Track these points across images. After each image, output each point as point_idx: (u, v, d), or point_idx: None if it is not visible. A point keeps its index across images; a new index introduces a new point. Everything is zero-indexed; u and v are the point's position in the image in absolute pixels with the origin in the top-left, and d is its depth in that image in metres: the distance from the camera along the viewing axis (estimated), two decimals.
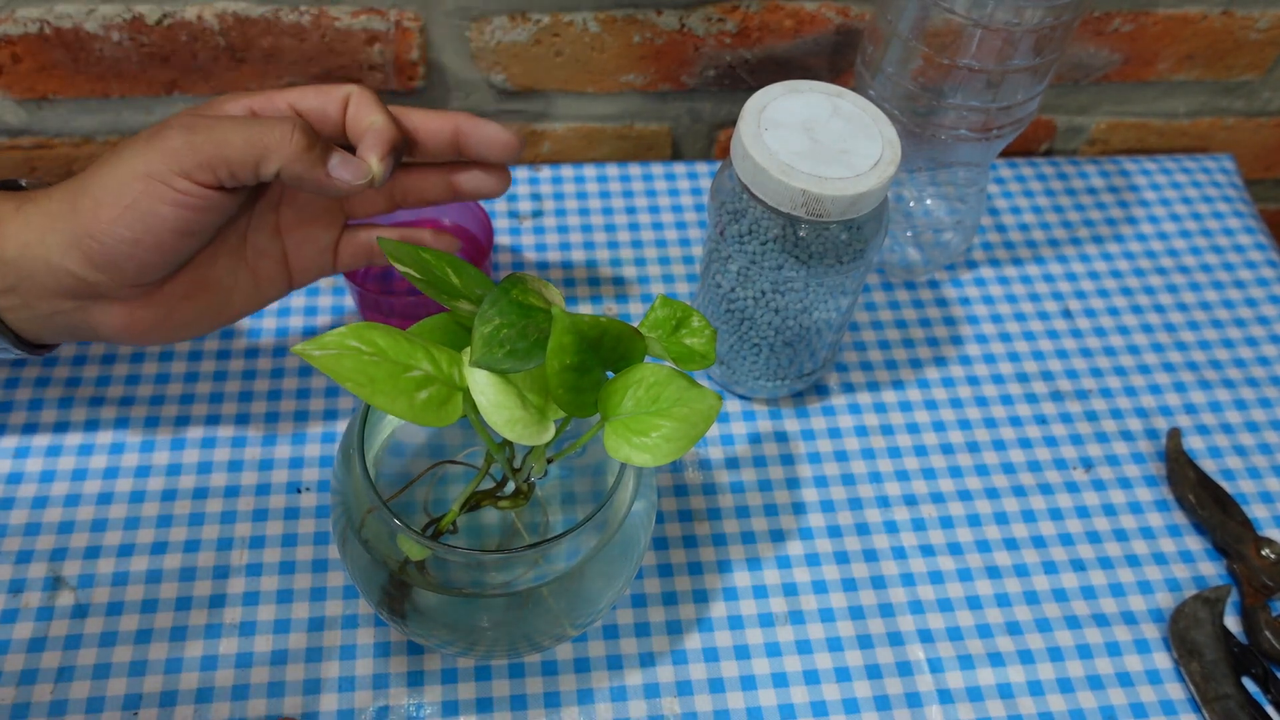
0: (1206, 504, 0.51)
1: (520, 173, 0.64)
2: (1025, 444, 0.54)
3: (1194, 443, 0.55)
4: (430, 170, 0.46)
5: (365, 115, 0.42)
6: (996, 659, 0.47)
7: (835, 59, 0.63)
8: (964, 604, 0.48)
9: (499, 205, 0.62)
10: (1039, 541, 0.50)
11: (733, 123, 0.67)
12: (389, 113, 0.42)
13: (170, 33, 0.57)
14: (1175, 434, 0.54)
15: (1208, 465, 0.54)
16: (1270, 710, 0.46)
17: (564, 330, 0.34)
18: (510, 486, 0.40)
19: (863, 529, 0.50)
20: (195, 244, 0.41)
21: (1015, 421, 0.55)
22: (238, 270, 0.44)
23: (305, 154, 0.39)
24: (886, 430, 0.54)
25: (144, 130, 0.40)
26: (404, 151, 0.44)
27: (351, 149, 0.42)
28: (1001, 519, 0.51)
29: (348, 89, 0.42)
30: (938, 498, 0.52)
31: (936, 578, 0.49)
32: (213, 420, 0.51)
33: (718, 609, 0.47)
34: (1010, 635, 0.47)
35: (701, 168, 0.65)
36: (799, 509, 0.51)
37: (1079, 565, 0.50)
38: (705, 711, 0.44)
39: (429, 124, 0.44)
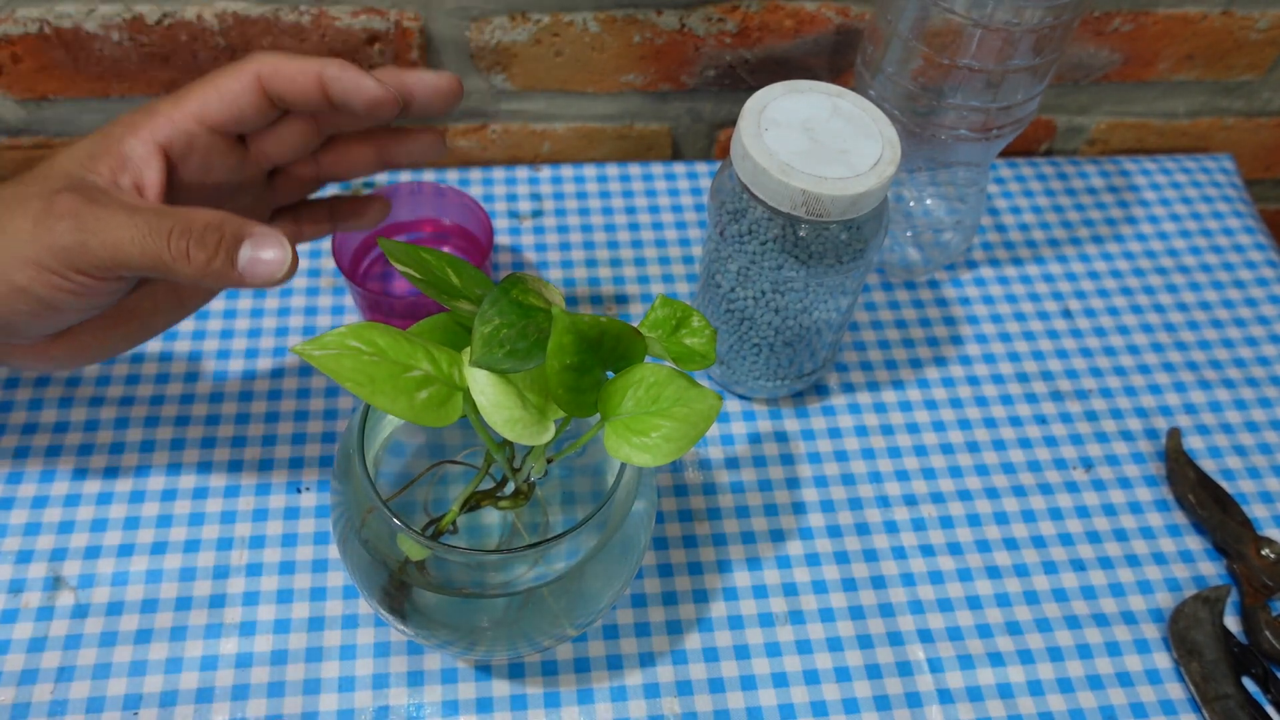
0: (1206, 504, 0.51)
1: (520, 173, 0.64)
2: (1025, 444, 0.54)
3: (1194, 443, 0.55)
4: (357, 142, 0.43)
5: (285, 150, 0.38)
6: (996, 659, 0.47)
7: (835, 59, 0.63)
8: (964, 604, 0.48)
9: (499, 205, 0.62)
10: (1039, 541, 0.50)
11: (733, 123, 0.67)
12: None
13: (170, 32, 0.57)
14: (1175, 434, 0.54)
15: (1208, 465, 0.54)
16: (1270, 710, 0.46)
17: (564, 330, 0.34)
18: (510, 486, 0.40)
19: (863, 529, 0.50)
20: (102, 310, 0.38)
21: (1015, 421, 0.55)
22: (157, 293, 0.41)
23: (207, 266, 0.35)
24: (886, 430, 0.54)
25: (27, 194, 0.35)
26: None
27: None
28: (1001, 519, 0.51)
29: (239, 108, 0.38)
30: (938, 498, 0.52)
31: (936, 578, 0.49)
32: (213, 420, 0.51)
33: (718, 609, 0.47)
34: (1010, 635, 0.47)
35: (701, 168, 0.65)
36: (799, 509, 0.51)
37: (1079, 565, 0.50)
38: (705, 711, 0.44)
39: (362, 94, 0.38)
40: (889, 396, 0.55)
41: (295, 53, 0.39)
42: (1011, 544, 0.50)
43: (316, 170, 0.44)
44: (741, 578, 0.48)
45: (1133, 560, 0.50)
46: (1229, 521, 0.50)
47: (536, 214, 0.62)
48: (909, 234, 0.58)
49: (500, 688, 0.44)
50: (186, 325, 0.55)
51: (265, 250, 0.35)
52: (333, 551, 0.48)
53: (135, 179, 0.37)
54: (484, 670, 0.45)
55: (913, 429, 0.54)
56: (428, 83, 0.40)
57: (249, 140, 0.41)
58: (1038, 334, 0.58)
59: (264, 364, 0.54)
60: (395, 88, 0.39)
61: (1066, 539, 0.51)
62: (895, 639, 0.47)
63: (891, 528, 0.50)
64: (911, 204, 0.58)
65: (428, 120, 0.42)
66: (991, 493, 0.52)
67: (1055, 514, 0.51)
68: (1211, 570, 0.50)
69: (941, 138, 0.51)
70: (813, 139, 0.44)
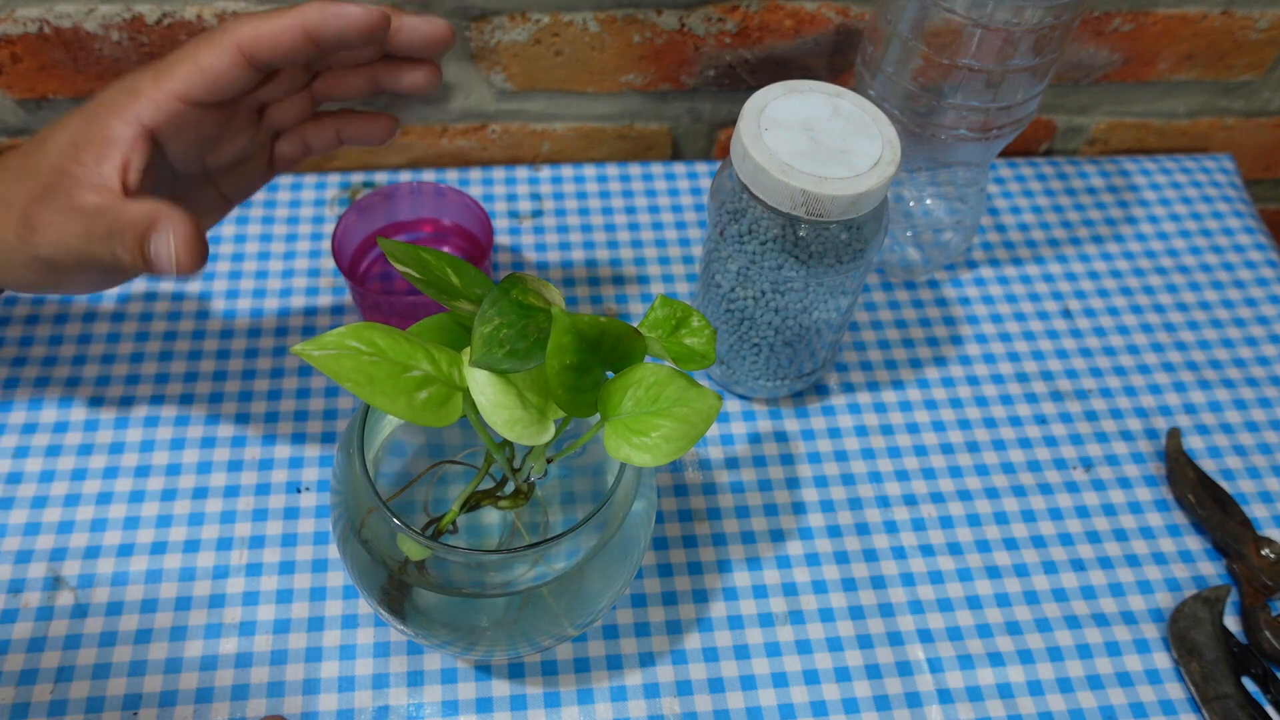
0: (1206, 504, 0.51)
1: (520, 172, 0.64)
2: (1025, 444, 0.54)
3: (1194, 443, 0.55)
4: (350, 72, 0.43)
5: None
6: (996, 659, 0.47)
7: (835, 59, 0.63)
8: (964, 604, 0.48)
9: (499, 205, 0.62)
10: (1039, 541, 0.50)
11: (733, 123, 0.67)
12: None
13: (170, 33, 0.57)
14: (1175, 434, 0.54)
15: (1207, 465, 0.54)
16: (1270, 710, 0.46)
17: (564, 330, 0.34)
18: (510, 486, 0.40)
19: (862, 529, 0.50)
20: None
21: (1015, 421, 0.55)
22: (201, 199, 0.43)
23: (133, 264, 0.36)
24: (886, 430, 0.54)
25: (13, 197, 0.37)
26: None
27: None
28: (1001, 519, 0.51)
29: (224, 83, 0.38)
30: (937, 498, 0.52)
31: (936, 577, 0.49)
32: (213, 420, 0.51)
33: (718, 609, 0.47)
34: (1010, 635, 0.47)
35: (701, 168, 0.65)
36: (799, 509, 0.51)
37: (1079, 565, 0.50)
38: (705, 711, 0.44)
39: (353, 25, 0.38)
40: (889, 396, 0.55)
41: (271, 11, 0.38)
42: (1011, 544, 0.50)
43: (310, 100, 0.43)
44: (741, 578, 0.48)
45: (1132, 560, 0.50)
46: (1229, 521, 0.50)
47: (536, 214, 0.62)
48: (909, 234, 0.58)
49: (500, 688, 0.44)
50: (186, 324, 0.55)
51: (160, 244, 0.35)
52: (333, 551, 0.48)
53: (122, 161, 0.37)
54: (484, 670, 0.45)
55: (913, 429, 0.54)
56: (419, 31, 0.39)
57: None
58: (1038, 334, 0.58)
59: (264, 364, 0.54)
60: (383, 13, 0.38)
61: (1066, 539, 0.51)
62: (895, 639, 0.47)
63: (891, 528, 0.50)
64: (911, 204, 0.58)
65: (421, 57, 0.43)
66: (991, 493, 0.52)
67: (1055, 514, 0.51)
68: (1211, 570, 0.50)
69: (941, 138, 0.51)
70: (813, 139, 0.44)
